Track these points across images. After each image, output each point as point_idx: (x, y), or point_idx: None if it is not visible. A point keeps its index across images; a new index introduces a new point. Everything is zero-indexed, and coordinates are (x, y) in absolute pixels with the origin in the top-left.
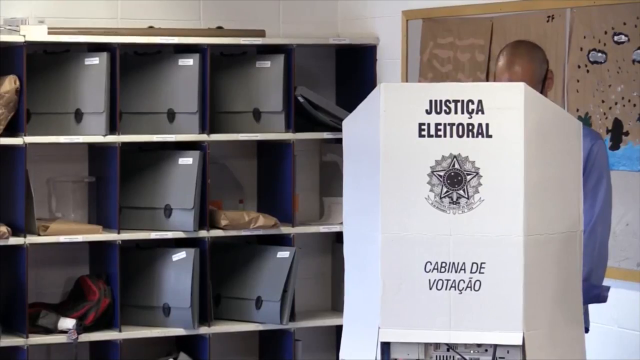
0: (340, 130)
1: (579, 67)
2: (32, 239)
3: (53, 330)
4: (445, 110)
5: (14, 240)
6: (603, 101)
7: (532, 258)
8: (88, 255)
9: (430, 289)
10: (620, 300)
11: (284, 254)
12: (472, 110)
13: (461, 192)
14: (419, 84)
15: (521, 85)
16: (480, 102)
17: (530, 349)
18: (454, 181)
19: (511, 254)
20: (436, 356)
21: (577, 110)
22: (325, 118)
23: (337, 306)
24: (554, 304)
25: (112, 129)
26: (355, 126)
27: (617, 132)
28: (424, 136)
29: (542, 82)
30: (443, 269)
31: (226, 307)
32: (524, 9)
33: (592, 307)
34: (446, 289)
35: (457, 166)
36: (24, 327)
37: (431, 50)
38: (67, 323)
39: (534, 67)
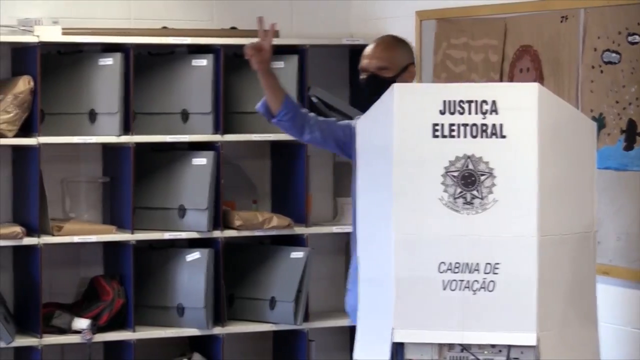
0: None
1: (592, 67)
2: (46, 239)
3: (67, 330)
4: (459, 111)
5: (28, 241)
6: (617, 102)
7: (546, 258)
8: (102, 255)
9: (444, 289)
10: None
11: (297, 254)
12: (486, 110)
13: (475, 192)
14: (432, 84)
15: (535, 86)
16: (494, 102)
17: (545, 349)
18: (468, 182)
19: (525, 254)
20: (450, 357)
21: (591, 110)
22: (338, 118)
23: None
24: (568, 304)
25: (126, 129)
26: (368, 127)
27: (632, 133)
28: (437, 137)
29: (400, 70)
30: (457, 270)
31: (240, 307)
32: (538, 10)
33: (606, 309)
34: (460, 289)
35: (471, 167)
36: (38, 327)
37: (445, 51)
38: (81, 323)
39: (395, 53)
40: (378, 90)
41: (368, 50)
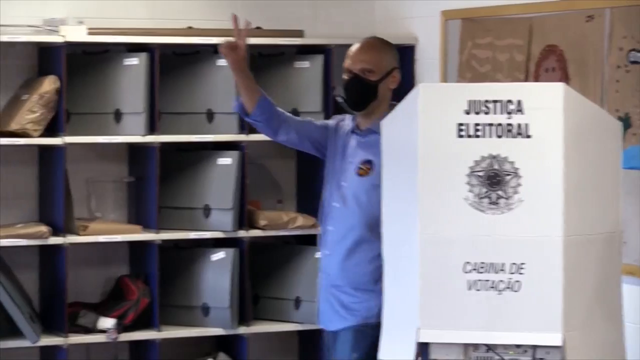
0: None
1: (618, 67)
2: (71, 239)
3: (92, 329)
4: (484, 111)
5: (53, 240)
6: None
7: (571, 258)
8: (127, 255)
9: (469, 289)
10: None
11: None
12: (512, 110)
13: (500, 192)
14: (457, 84)
15: (561, 86)
16: (519, 102)
17: (570, 349)
18: (493, 182)
19: (551, 254)
20: (475, 357)
21: (617, 110)
22: None
23: None
24: (594, 304)
25: (152, 129)
26: (393, 127)
27: None
28: (462, 136)
29: (384, 74)
30: (482, 270)
31: (265, 307)
32: (563, 9)
33: (632, 309)
34: (485, 289)
35: (496, 167)
36: (64, 327)
37: (470, 51)
38: (107, 323)
39: (381, 57)
40: (360, 92)
41: (353, 50)
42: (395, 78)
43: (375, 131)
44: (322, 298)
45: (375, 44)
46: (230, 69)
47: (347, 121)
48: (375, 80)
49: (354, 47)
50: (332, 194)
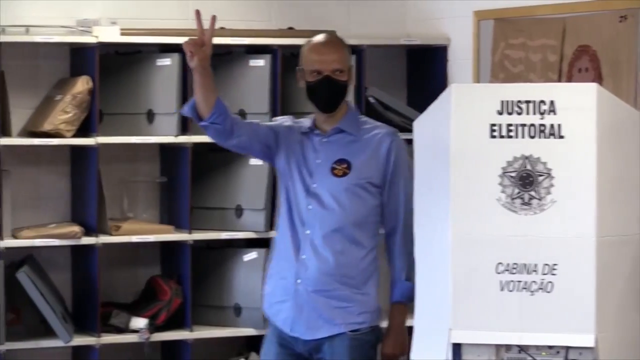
0: (411, 131)
1: None
2: (104, 239)
3: (125, 329)
4: (516, 111)
5: (86, 240)
6: None
7: (604, 259)
8: (159, 255)
9: (502, 290)
10: None
11: None
12: (544, 110)
13: (533, 193)
14: (490, 84)
15: (594, 86)
16: (552, 102)
17: (603, 350)
18: (526, 182)
19: (583, 255)
20: (507, 358)
21: None
22: (396, 119)
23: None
24: (626, 305)
25: (184, 129)
26: (426, 127)
27: None
28: (495, 137)
29: (349, 72)
30: (514, 270)
31: None
32: (597, 9)
33: None
34: (518, 290)
35: (528, 167)
36: (96, 327)
37: (502, 51)
38: (139, 323)
39: (346, 55)
40: (333, 94)
41: (321, 49)
42: (353, 75)
43: (344, 130)
44: (292, 305)
45: (340, 42)
46: (194, 68)
47: (301, 122)
48: (345, 80)
49: (319, 46)
50: (301, 198)
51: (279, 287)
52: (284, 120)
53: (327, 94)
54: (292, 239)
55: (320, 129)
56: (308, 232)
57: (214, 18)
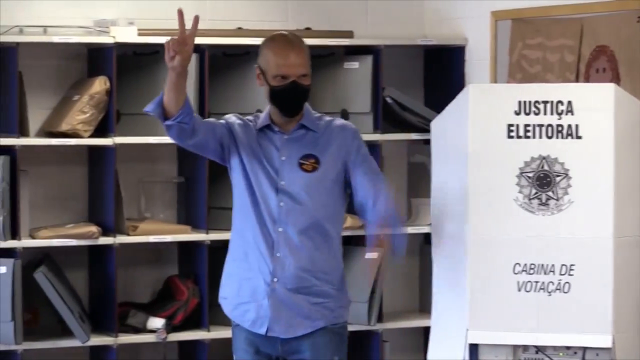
0: (428, 131)
1: None
2: (121, 239)
3: (142, 329)
4: (534, 111)
5: (103, 240)
6: None
7: (622, 260)
8: (177, 255)
9: (519, 290)
10: None
11: (371, 254)
12: (562, 111)
13: (550, 193)
14: (507, 84)
15: (611, 87)
16: (569, 103)
17: (620, 351)
18: (543, 182)
19: (601, 256)
20: (524, 358)
21: None
22: (413, 119)
23: (425, 307)
24: None
25: None
26: (443, 127)
27: None
28: (512, 137)
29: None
30: (532, 271)
31: None
32: (614, 9)
33: None
34: (535, 290)
35: (546, 167)
36: (114, 327)
37: (520, 51)
38: (156, 322)
39: (308, 58)
40: (299, 98)
41: (286, 53)
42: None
43: (307, 126)
44: (268, 305)
45: (302, 44)
46: (173, 68)
47: (251, 119)
48: (309, 84)
49: (286, 51)
50: (270, 195)
51: (244, 288)
52: (233, 118)
53: (292, 100)
54: (263, 238)
55: (279, 127)
56: (281, 229)
57: (196, 19)
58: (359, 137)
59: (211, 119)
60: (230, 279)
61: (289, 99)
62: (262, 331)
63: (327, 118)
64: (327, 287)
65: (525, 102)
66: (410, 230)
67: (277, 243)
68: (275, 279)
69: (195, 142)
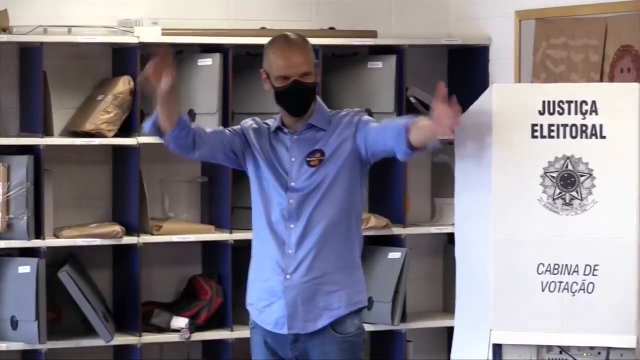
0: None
1: None
2: (145, 239)
3: (166, 329)
4: (558, 111)
5: (127, 240)
6: None
7: None
8: (200, 255)
9: (543, 291)
10: None
11: (395, 255)
12: (586, 111)
13: (574, 193)
14: (532, 84)
15: (636, 86)
16: (594, 103)
17: None
18: (568, 183)
19: (625, 256)
20: (548, 359)
21: None
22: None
23: (448, 307)
24: None
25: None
26: (467, 127)
27: None
28: (537, 137)
29: (315, 72)
30: (556, 271)
31: None
32: (639, 9)
33: None
34: (559, 291)
35: (570, 168)
36: (138, 326)
37: (544, 51)
38: (180, 322)
39: (312, 56)
40: (304, 98)
41: (287, 54)
42: (319, 72)
43: (316, 125)
44: (284, 304)
45: (304, 43)
46: (165, 90)
47: (267, 122)
48: (314, 82)
49: (287, 51)
50: (280, 195)
51: (263, 292)
52: (249, 123)
53: (296, 100)
54: (274, 237)
55: (289, 128)
56: (292, 226)
57: (166, 50)
58: (361, 113)
59: (222, 129)
60: (252, 285)
61: (293, 99)
62: (285, 331)
63: (342, 111)
64: (342, 274)
65: (549, 102)
66: (434, 230)
67: (288, 240)
68: (289, 276)
69: (201, 154)
